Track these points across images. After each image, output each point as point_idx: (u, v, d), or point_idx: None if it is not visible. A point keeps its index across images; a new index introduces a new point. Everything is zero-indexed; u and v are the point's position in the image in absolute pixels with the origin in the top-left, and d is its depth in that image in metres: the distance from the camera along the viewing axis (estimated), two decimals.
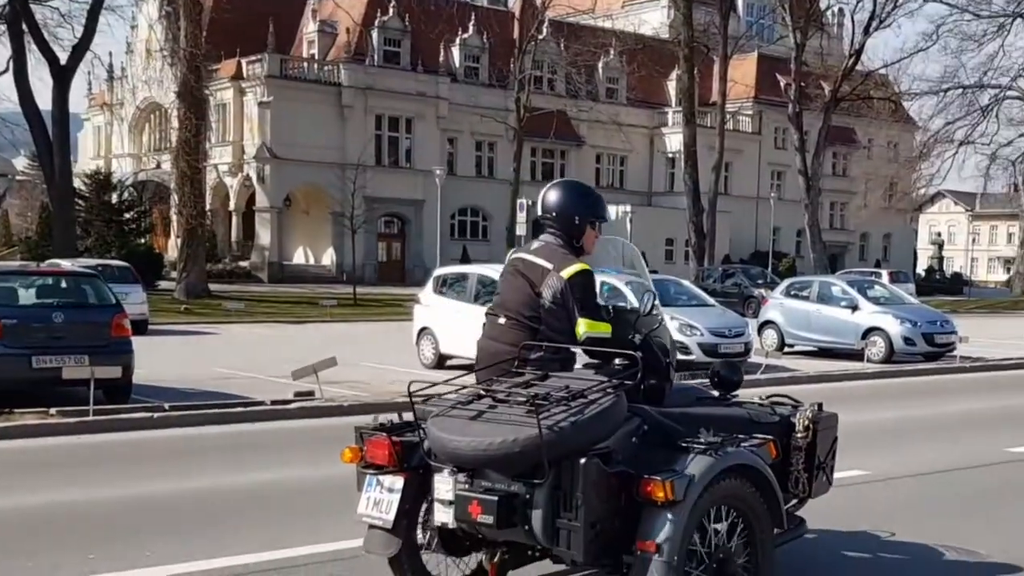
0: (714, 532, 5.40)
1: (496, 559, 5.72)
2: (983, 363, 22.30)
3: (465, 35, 62.16)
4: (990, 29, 59.91)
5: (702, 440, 5.42)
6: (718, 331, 20.61)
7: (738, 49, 59.76)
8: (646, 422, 5.51)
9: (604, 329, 5.99)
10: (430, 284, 21.30)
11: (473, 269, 21.62)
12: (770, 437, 6.05)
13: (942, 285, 73.32)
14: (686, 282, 25.48)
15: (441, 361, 19.99)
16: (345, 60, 57.20)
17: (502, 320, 6.23)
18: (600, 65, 66.07)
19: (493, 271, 20.21)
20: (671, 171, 68.14)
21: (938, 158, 61.94)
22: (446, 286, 20.93)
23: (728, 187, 66.27)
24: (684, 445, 5.39)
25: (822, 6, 58.81)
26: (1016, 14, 59.90)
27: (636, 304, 6.69)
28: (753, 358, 20.51)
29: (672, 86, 68.14)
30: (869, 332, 22.93)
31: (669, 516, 5.08)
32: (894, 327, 22.79)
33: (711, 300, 23.35)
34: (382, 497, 5.63)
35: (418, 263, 57.43)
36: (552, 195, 6.31)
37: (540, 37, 55.71)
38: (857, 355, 22.03)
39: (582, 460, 5.03)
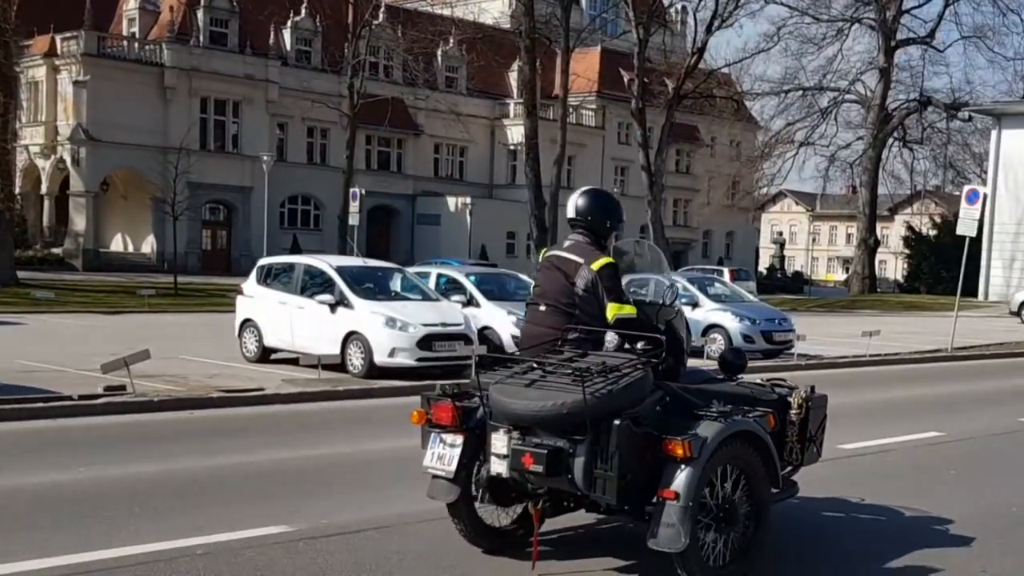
0: (721, 487, 6.72)
1: (539, 505, 7.00)
2: (819, 360, 22.98)
3: (297, 18, 61.44)
4: (829, 33, 62.13)
5: (714, 410, 6.76)
6: None
7: (581, 42, 60.33)
8: (668, 394, 6.92)
9: (630, 310, 7.35)
10: (253, 274, 20.90)
11: (300, 259, 21.30)
12: (770, 410, 7.38)
13: (783, 283, 75.60)
14: (524, 276, 25.59)
15: (265, 354, 19.63)
16: (168, 40, 55.88)
17: (542, 307, 7.55)
18: (439, 53, 66.02)
19: (321, 262, 19.96)
20: (513, 163, 68.51)
21: (779, 158, 63.89)
22: (271, 277, 20.56)
23: (571, 181, 66.86)
24: (699, 414, 6.73)
25: (665, 3, 59.95)
26: (854, 19, 62.18)
27: (656, 297, 8.20)
28: None
29: (514, 77, 68.55)
30: (709, 329, 23.44)
31: (686, 470, 6.38)
32: (733, 324, 23.33)
33: None
34: (444, 452, 7.04)
35: (245, 252, 56.41)
36: (586, 201, 7.71)
37: (375, 22, 55.31)
38: (697, 352, 22.42)
39: (616, 422, 6.39)
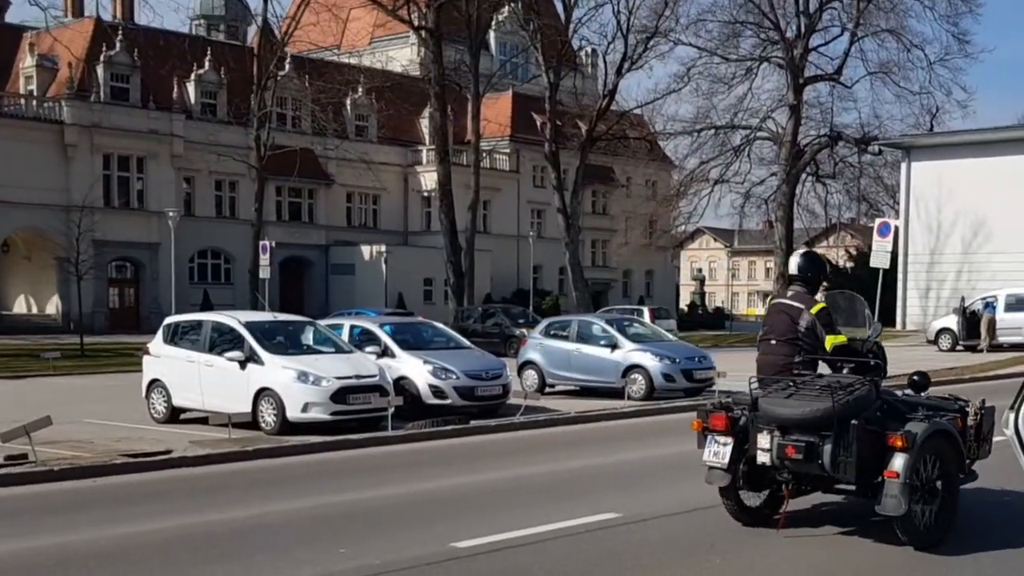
0: (925, 470, 9.08)
1: (790, 487, 9.52)
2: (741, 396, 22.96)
3: (201, 71, 60.97)
4: (739, 72, 62.94)
5: (920, 414, 9.33)
6: (474, 374, 20.62)
7: (491, 87, 60.75)
8: (885, 402, 9.49)
9: (843, 339, 10.20)
10: (160, 333, 20.52)
11: (208, 316, 20.97)
12: (957, 415, 9.79)
13: (704, 320, 76.19)
14: (441, 325, 25.47)
15: (174, 415, 19.25)
16: (67, 96, 55.11)
17: (773, 342, 10.39)
18: (348, 102, 65.89)
19: (229, 318, 19.64)
20: (427, 210, 68.38)
21: (695, 196, 64.43)
22: (179, 335, 20.19)
23: (487, 225, 67.05)
24: (909, 417, 9.27)
25: (575, 46, 60.42)
26: (763, 58, 63.12)
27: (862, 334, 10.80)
28: (512, 399, 20.57)
29: (425, 124, 68.61)
30: (629, 370, 23.39)
31: (903, 456, 8.82)
32: (653, 364, 23.31)
33: (467, 342, 23.39)
34: (719, 449, 9.71)
35: (154, 309, 55.48)
36: (804, 261, 10.85)
37: (281, 73, 55.15)
38: (619, 393, 22.38)
39: (853, 422, 8.89)
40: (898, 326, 53.78)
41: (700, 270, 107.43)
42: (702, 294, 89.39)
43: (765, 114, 64.66)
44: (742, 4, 62.42)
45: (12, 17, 65.67)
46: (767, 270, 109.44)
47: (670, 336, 27.96)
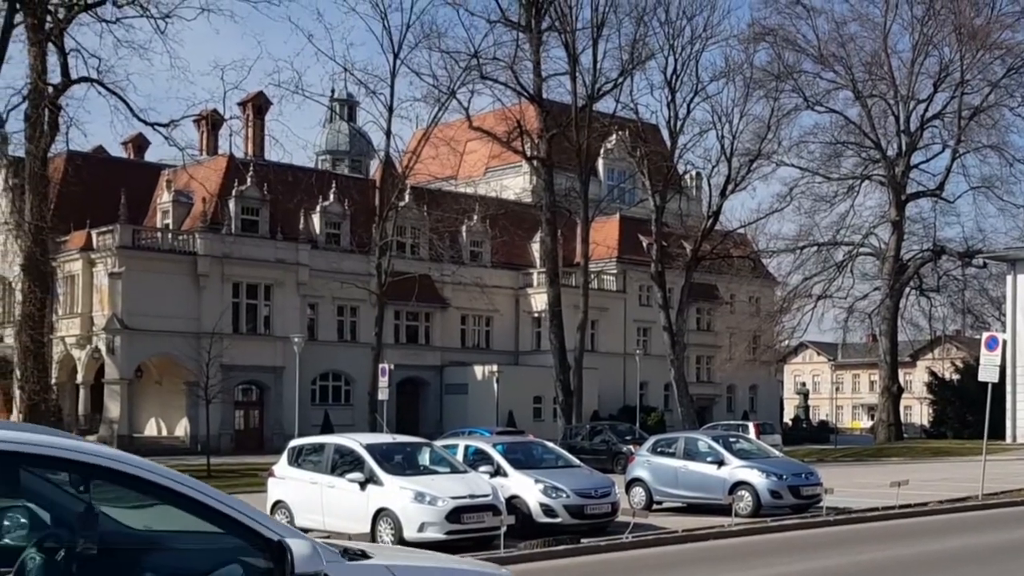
0: None
1: None
2: (848, 514, 22.44)
3: (325, 202, 62.39)
4: (841, 190, 62.83)
5: None
6: (584, 492, 20.49)
7: (600, 211, 61.26)
8: None
9: None
10: (284, 456, 20.84)
11: (330, 439, 21.26)
12: None
13: (809, 434, 74.81)
14: (550, 443, 25.44)
15: None
16: (201, 229, 56.82)
17: None
18: (463, 229, 66.88)
19: (350, 441, 19.86)
20: (537, 330, 68.69)
21: (798, 312, 63.90)
22: (302, 457, 20.48)
23: (595, 344, 66.98)
24: None
25: (680, 171, 60.89)
26: (864, 176, 62.93)
27: None
28: (621, 517, 20.38)
29: (536, 248, 69.26)
30: (736, 487, 23.01)
31: None
32: (760, 481, 22.92)
33: (577, 461, 23.33)
34: None
35: (277, 430, 56.33)
36: None
37: (401, 204, 56.31)
38: (726, 510, 22.02)
39: None
40: (1008, 439, 52.28)
41: (804, 384, 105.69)
42: (806, 408, 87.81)
43: (867, 230, 64.21)
44: (843, 125, 62.58)
45: (151, 156, 68.21)
46: (871, 383, 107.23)
47: (776, 452, 27.51)
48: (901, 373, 72.71)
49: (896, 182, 61.52)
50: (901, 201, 61.99)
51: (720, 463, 23.63)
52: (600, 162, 73.63)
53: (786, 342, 73.55)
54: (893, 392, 64.70)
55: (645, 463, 25.21)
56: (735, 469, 23.42)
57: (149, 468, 4.88)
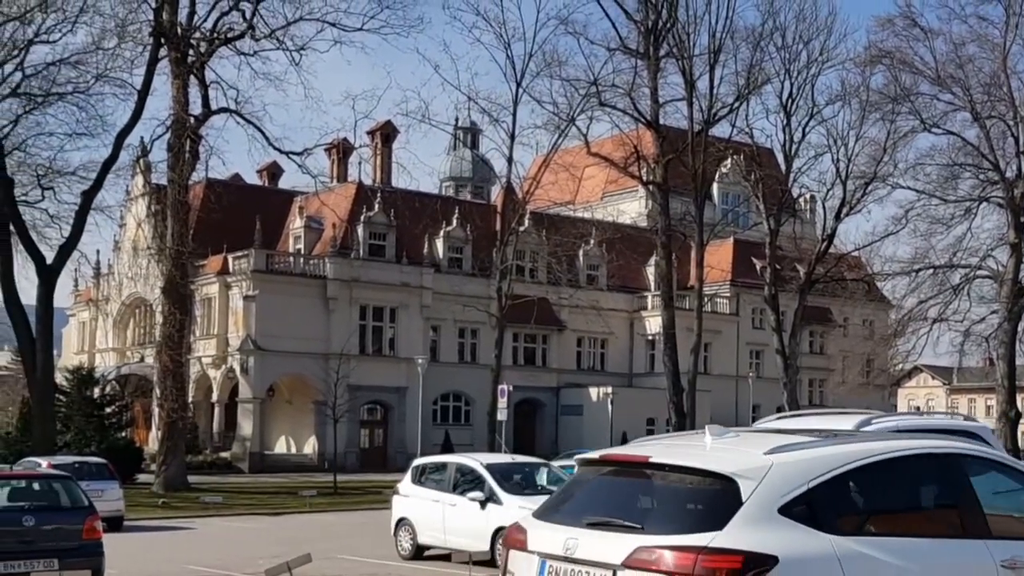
0: None
1: None
2: None
3: (449, 228, 62.95)
4: (957, 213, 61.05)
5: None
6: None
7: (714, 235, 60.69)
8: None
9: None
10: (409, 474, 21.03)
11: (452, 459, 21.42)
12: None
13: None
14: None
15: (419, 552, 19.57)
16: (331, 254, 57.77)
17: None
18: (580, 253, 66.89)
19: (471, 461, 19.98)
20: (651, 352, 68.28)
21: (913, 335, 62.20)
22: (425, 476, 20.65)
23: (708, 367, 66.26)
24: None
25: (794, 194, 60.08)
26: (982, 198, 61.17)
27: None
28: None
29: (651, 271, 68.89)
30: None
31: None
32: None
33: None
34: None
35: (400, 449, 56.93)
36: None
37: (521, 229, 56.56)
38: None
39: None
40: None
41: (918, 408, 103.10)
42: None
43: (985, 253, 62.27)
44: (960, 147, 60.88)
45: (285, 183, 69.64)
46: (988, 408, 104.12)
47: None
48: (1019, 398, 70.48)
49: (1015, 204, 59.65)
50: (1020, 223, 60.06)
51: None
52: (715, 186, 73.02)
53: (900, 366, 71.64)
54: (1011, 417, 62.63)
55: None
56: None
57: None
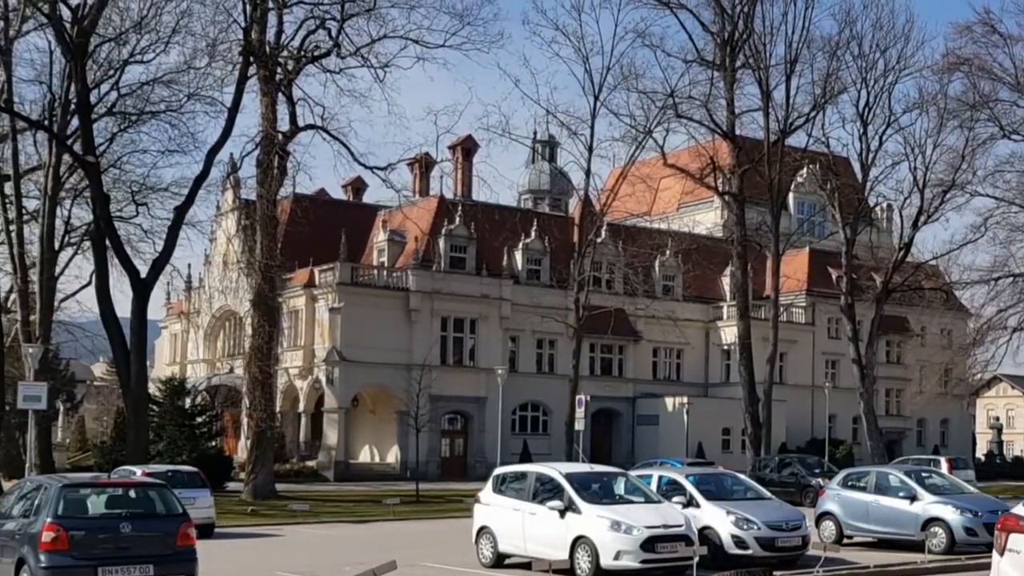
0: None
1: None
2: None
3: (527, 240, 63.03)
4: None
5: None
6: (775, 524, 20.14)
7: (790, 245, 60.14)
8: None
9: None
10: (490, 483, 21.10)
11: (532, 468, 21.44)
12: None
13: (1003, 470, 71.34)
14: (742, 476, 25.07)
15: (499, 560, 19.65)
16: (413, 266, 58.18)
17: None
18: (656, 264, 66.61)
19: (551, 470, 20.02)
20: (727, 362, 67.75)
21: (992, 344, 61.01)
22: (505, 484, 20.73)
23: (783, 376, 65.53)
24: None
25: (871, 203, 59.29)
26: None
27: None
28: (811, 551, 19.95)
29: (726, 282, 68.42)
30: (929, 523, 22.19)
31: None
32: (954, 518, 22.03)
33: (767, 493, 22.91)
34: None
35: (480, 458, 57.16)
36: None
37: (599, 240, 56.48)
38: (918, 546, 21.27)
39: None
40: None
41: (997, 418, 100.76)
42: (999, 443, 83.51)
43: None
44: None
45: (369, 197, 70.39)
46: None
47: (970, 487, 26.40)
48: None
49: None
50: None
51: (912, 498, 22.86)
52: (791, 196, 72.29)
53: (979, 375, 70.21)
54: None
55: (835, 496, 24.57)
56: (928, 505, 22.60)
57: None
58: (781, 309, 56.83)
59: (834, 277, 66.21)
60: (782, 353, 59.41)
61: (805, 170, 66.52)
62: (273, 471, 42.42)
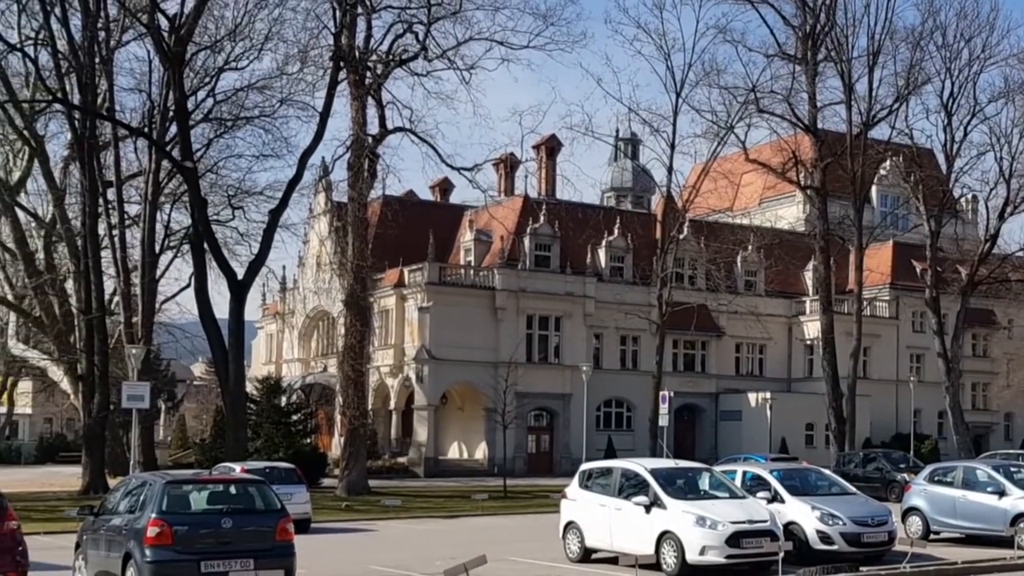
0: None
1: None
2: None
3: (610, 238, 62.83)
4: None
5: None
6: (861, 520, 19.89)
7: (873, 238, 59.14)
8: None
9: None
10: (576, 479, 21.15)
11: (617, 464, 21.42)
12: None
13: None
14: (828, 471, 24.77)
15: (586, 555, 19.69)
16: (499, 265, 58.38)
17: None
18: (738, 259, 65.97)
19: (636, 466, 20.00)
20: (809, 357, 66.89)
21: None
22: (591, 480, 20.76)
23: (867, 371, 64.50)
24: None
25: (955, 194, 58.12)
26: None
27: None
28: (897, 547, 19.67)
29: (809, 276, 67.56)
30: (1018, 518, 21.71)
31: None
32: None
33: (852, 488, 22.63)
34: None
35: (565, 454, 57.19)
36: None
37: (681, 237, 56.13)
38: (1007, 542, 20.85)
39: None
40: None
41: None
42: None
43: None
44: None
45: (455, 198, 70.73)
46: None
47: None
48: None
49: None
50: None
51: (1001, 493, 22.37)
52: (874, 189, 71.17)
53: None
54: None
55: (922, 492, 24.16)
56: (1017, 500, 22.10)
57: None
58: (865, 303, 55.89)
59: (918, 270, 64.96)
60: (866, 347, 58.53)
61: (888, 162, 65.55)
62: (366, 467, 42.78)
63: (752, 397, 62.72)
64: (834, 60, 48.67)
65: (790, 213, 76.49)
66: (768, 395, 59.07)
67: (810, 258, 61.19)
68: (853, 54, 48.94)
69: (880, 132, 52.56)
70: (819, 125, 49.08)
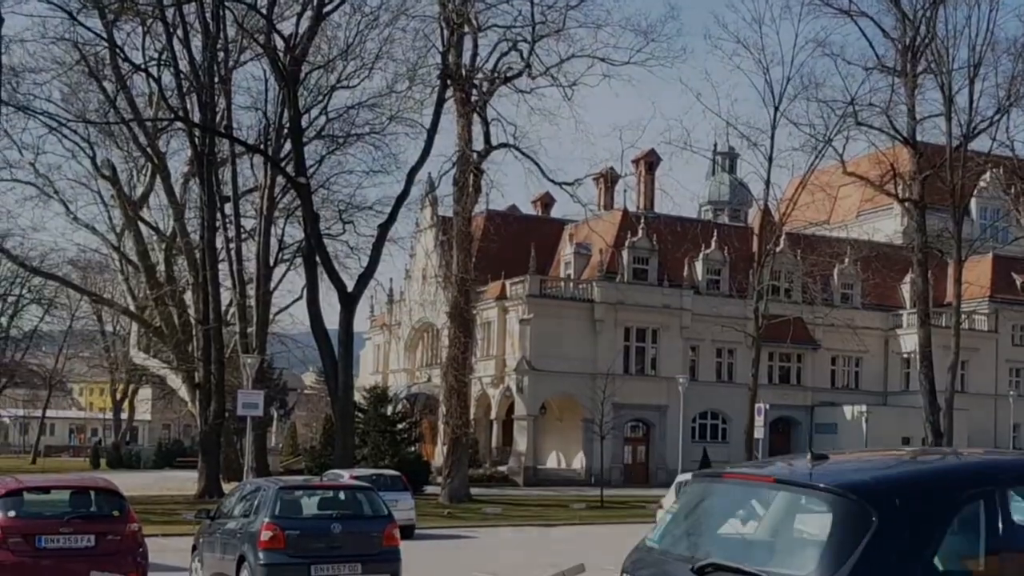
0: None
1: None
2: None
3: (707, 251, 62.40)
4: None
5: None
6: None
7: (972, 251, 57.77)
8: None
9: None
10: (672, 490, 21.10)
11: None
12: None
13: None
14: None
15: None
16: (598, 278, 58.36)
17: None
18: (835, 272, 64.96)
19: None
20: (906, 371, 65.50)
21: None
22: None
23: (965, 385, 62.97)
24: None
25: None
26: None
27: None
28: None
29: (906, 289, 66.28)
30: None
31: None
32: None
33: None
34: None
35: (661, 465, 56.82)
36: None
37: (778, 250, 55.45)
38: None
39: None
40: None
41: None
42: None
43: None
44: None
45: (556, 212, 70.92)
46: None
47: None
48: None
49: None
50: None
51: None
52: (973, 201, 69.45)
53: None
54: None
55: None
56: None
57: None
58: (963, 316, 54.55)
59: (1019, 283, 63.32)
60: (964, 361, 57.14)
61: (988, 174, 63.88)
62: (467, 476, 42.98)
63: (848, 410, 61.63)
64: (934, 72, 47.67)
65: (888, 226, 75.02)
66: (864, 408, 58.01)
67: (907, 271, 60.04)
68: (953, 66, 47.89)
69: (980, 144, 51.37)
70: (918, 137, 48.12)
